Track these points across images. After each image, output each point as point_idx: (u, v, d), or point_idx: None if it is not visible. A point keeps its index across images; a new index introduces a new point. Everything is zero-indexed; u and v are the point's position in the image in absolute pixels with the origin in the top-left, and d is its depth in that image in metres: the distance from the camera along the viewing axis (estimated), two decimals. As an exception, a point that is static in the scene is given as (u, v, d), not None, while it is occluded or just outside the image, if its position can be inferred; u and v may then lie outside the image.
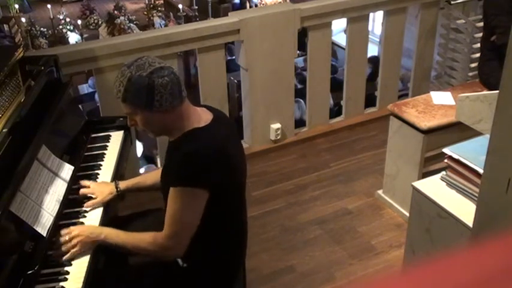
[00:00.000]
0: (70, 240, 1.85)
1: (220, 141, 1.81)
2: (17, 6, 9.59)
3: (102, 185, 2.18)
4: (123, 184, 2.17)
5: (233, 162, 1.85)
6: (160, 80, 1.70)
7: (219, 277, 1.98)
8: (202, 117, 1.84)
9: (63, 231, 1.88)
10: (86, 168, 2.33)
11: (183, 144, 1.79)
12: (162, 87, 1.70)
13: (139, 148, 4.70)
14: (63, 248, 1.84)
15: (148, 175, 2.24)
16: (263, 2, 9.18)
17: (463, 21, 3.98)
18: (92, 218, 2.06)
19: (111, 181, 2.25)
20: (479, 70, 3.40)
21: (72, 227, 1.91)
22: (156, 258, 1.89)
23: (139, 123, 1.80)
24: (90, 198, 2.13)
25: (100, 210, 2.10)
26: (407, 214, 2.45)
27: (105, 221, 2.06)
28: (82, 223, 2.02)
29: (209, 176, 1.75)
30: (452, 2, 3.95)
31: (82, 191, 2.13)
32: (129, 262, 2.02)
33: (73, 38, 9.19)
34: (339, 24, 5.41)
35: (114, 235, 1.89)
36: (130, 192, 2.21)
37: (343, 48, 4.83)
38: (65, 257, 1.83)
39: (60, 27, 9.51)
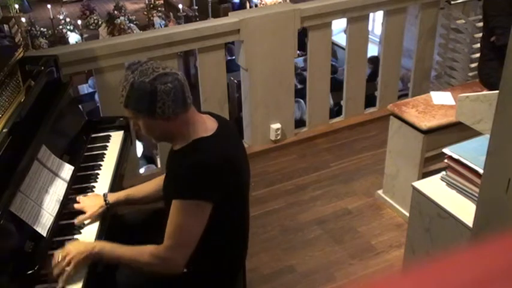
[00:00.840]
0: (63, 259, 1.76)
1: (226, 151, 1.78)
2: (17, 6, 9.60)
3: (92, 198, 2.10)
4: (112, 197, 2.08)
5: (239, 168, 1.83)
6: (162, 86, 1.65)
7: (219, 278, 1.97)
8: (208, 126, 1.79)
9: (56, 252, 1.79)
10: (86, 168, 2.33)
11: (191, 154, 1.74)
12: (165, 94, 1.66)
13: (139, 148, 4.70)
14: (57, 269, 1.75)
15: (140, 187, 2.13)
16: (263, 2, 9.19)
17: (463, 21, 3.98)
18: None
19: (110, 184, 2.24)
20: (479, 70, 3.40)
21: (65, 247, 1.82)
22: (156, 273, 1.80)
23: (142, 128, 1.76)
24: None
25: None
26: (407, 214, 2.45)
27: (105, 221, 2.06)
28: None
29: (217, 188, 1.72)
30: (452, 2, 3.95)
31: (74, 206, 2.06)
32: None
33: (73, 38, 9.20)
34: (339, 24, 5.41)
35: (109, 248, 1.81)
36: (120, 205, 2.13)
37: (343, 48, 4.83)
38: (60, 279, 1.74)
39: (60, 27, 9.52)
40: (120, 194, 2.11)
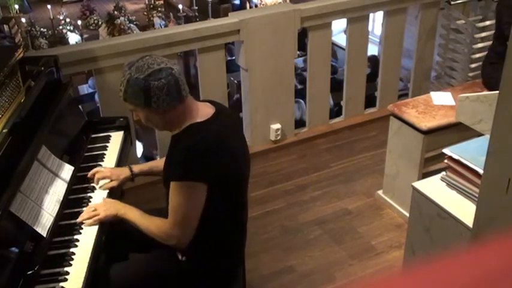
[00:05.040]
0: (94, 210, 1.97)
1: (219, 135, 1.85)
2: (17, 6, 9.59)
3: (117, 169, 2.29)
4: (136, 168, 2.27)
5: (234, 156, 1.88)
6: (156, 82, 1.75)
7: (218, 273, 1.98)
8: (203, 112, 1.88)
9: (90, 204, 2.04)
10: (86, 169, 2.33)
11: (183, 139, 1.84)
12: (158, 90, 1.75)
13: (139, 148, 4.70)
14: (86, 215, 1.97)
15: (161, 161, 2.27)
16: (263, 3, 9.19)
17: (463, 21, 3.98)
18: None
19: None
20: (482, 69, 3.38)
21: (98, 202, 2.05)
22: (163, 243, 1.91)
23: (142, 119, 1.87)
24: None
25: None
26: (407, 214, 2.45)
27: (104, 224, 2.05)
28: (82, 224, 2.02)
29: (207, 170, 1.79)
30: (452, 3, 3.94)
31: (99, 175, 2.22)
32: (129, 258, 2.03)
33: (73, 38, 9.20)
34: (339, 25, 5.40)
35: (132, 213, 1.97)
36: (144, 175, 2.31)
37: (343, 49, 4.83)
38: (88, 222, 1.95)
39: (60, 27, 9.52)
40: (144, 166, 2.32)
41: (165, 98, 1.76)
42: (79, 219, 1.97)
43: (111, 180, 2.21)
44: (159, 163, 2.28)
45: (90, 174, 2.23)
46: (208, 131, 1.83)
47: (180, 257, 1.95)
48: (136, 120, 1.94)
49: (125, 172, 2.23)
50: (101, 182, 2.21)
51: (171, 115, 1.82)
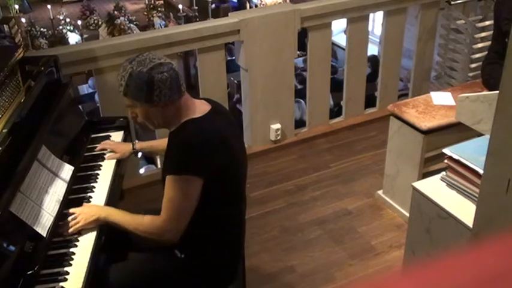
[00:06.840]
0: (74, 218, 1.94)
1: (216, 130, 1.86)
2: (17, 6, 9.59)
3: (122, 143, 2.49)
4: (138, 145, 2.42)
5: (231, 152, 1.88)
6: (159, 75, 1.77)
7: (217, 270, 1.99)
8: (200, 109, 1.90)
9: (70, 210, 1.99)
10: (86, 169, 2.33)
11: (179, 134, 1.86)
12: (161, 83, 1.77)
13: (139, 148, 4.69)
14: (68, 225, 1.93)
15: (163, 141, 2.29)
16: (263, 3, 9.19)
17: (463, 21, 3.98)
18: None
19: (110, 184, 2.25)
20: (482, 69, 3.38)
21: (79, 208, 2.01)
22: (153, 241, 1.91)
23: (139, 115, 1.87)
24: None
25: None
26: (407, 214, 2.45)
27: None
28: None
29: (203, 165, 1.80)
30: (452, 3, 3.95)
31: (105, 144, 2.40)
32: (129, 258, 2.03)
33: (73, 38, 9.20)
34: (339, 25, 5.40)
35: (116, 214, 1.96)
36: (144, 151, 2.49)
37: (343, 49, 4.83)
38: (69, 231, 1.92)
39: (60, 27, 9.52)
40: (146, 144, 2.45)
41: (167, 91, 1.79)
42: (64, 231, 1.93)
43: (116, 153, 2.39)
44: (159, 142, 2.37)
45: (97, 148, 2.41)
46: (205, 126, 1.85)
47: (178, 254, 1.95)
48: (132, 117, 1.91)
49: (129, 147, 2.41)
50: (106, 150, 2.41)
51: (169, 110, 1.83)
